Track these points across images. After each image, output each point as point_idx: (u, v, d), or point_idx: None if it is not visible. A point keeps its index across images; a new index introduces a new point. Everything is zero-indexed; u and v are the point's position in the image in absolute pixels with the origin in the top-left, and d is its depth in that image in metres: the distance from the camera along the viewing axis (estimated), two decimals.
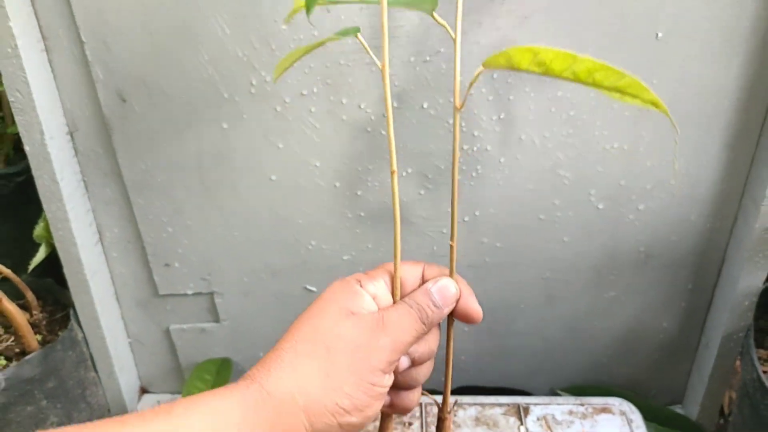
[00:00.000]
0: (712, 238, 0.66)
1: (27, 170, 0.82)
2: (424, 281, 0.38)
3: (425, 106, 0.60)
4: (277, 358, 0.33)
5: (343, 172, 0.63)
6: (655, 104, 0.31)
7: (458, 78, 0.38)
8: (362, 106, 0.60)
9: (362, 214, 0.66)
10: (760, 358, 0.65)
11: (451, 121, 0.60)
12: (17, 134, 0.76)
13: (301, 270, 0.70)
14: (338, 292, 0.36)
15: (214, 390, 0.32)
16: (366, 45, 0.39)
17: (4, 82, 0.56)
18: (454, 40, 0.38)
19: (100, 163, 0.64)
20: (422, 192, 0.64)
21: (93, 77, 0.59)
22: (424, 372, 0.38)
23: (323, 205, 0.65)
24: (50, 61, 0.59)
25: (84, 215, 0.66)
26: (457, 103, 0.38)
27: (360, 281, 0.38)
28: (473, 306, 0.38)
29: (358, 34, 0.39)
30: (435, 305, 0.36)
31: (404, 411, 0.39)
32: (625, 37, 0.55)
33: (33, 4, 0.56)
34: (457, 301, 0.38)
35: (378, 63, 0.37)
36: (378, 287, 0.38)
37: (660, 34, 0.55)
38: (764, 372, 0.61)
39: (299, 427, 0.32)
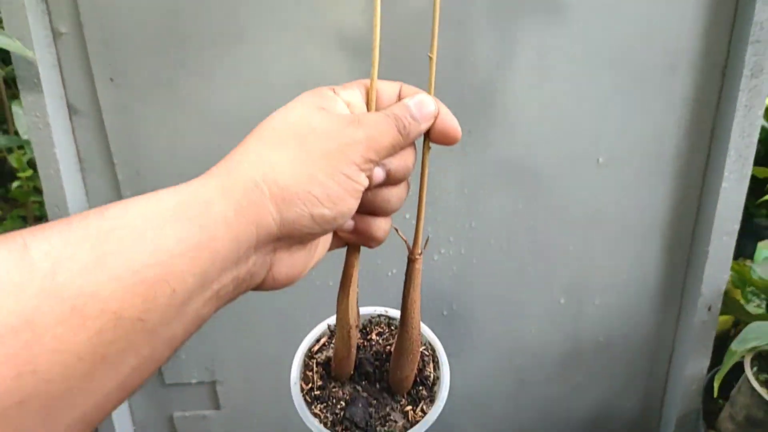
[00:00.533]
0: (661, 329, 0.75)
1: None
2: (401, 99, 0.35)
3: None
4: (241, 149, 0.30)
5: (337, 272, 0.72)
6: None
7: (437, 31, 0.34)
8: None
9: None
10: None
11: (427, 230, 0.70)
12: None
13: None
14: (308, 95, 0.33)
15: (157, 190, 0.27)
16: None
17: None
18: None
19: None
20: None
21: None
22: (396, 195, 0.35)
23: (320, 300, 0.73)
24: (84, 180, 0.68)
25: None
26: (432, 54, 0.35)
27: (333, 89, 0.34)
28: (451, 123, 0.36)
29: None
30: (412, 117, 0.34)
31: (372, 241, 0.36)
32: (571, 163, 0.66)
33: (74, 133, 0.66)
34: (435, 118, 0.35)
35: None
36: (353, 95, 0.35)
37: (601, 160, 0.66)
38: None
39: (266, 217, 0.29)
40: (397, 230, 0.38)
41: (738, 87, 0.59)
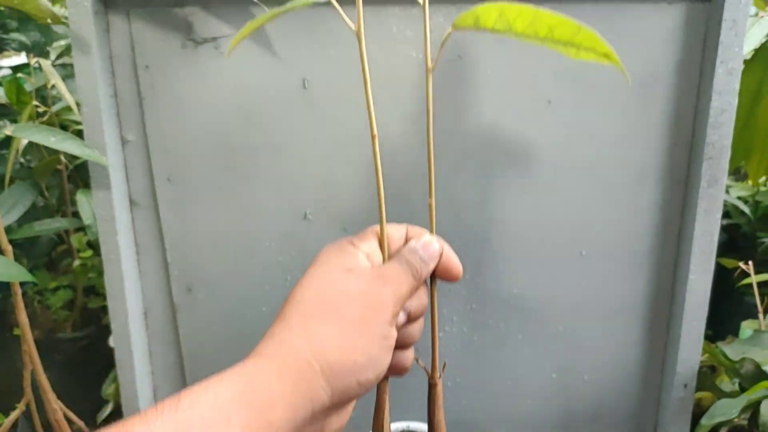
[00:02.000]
0: (645, 404, 0.83)
1: (89, 335, 1.01)
2: (408, 241, 0.39)
3: None
4: (285, 326, 0.32)
5: None
6: (608, 56, 0.33)
7: (428, 39, 0.40)
8: None
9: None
10: None
11: None
12: (84, 304, 0.95)
13: None
14: (333, 253, 0.36)
15: (220, 375, 0.29)
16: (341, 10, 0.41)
17: (105, 278, 0.76)
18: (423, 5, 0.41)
19: (165, 337, 0.82)
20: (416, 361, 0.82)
21: (169, 273, 0.79)
22: (417, 329, 0.39)
23: None
24: (138, 261, 0.79)
25: (146, 378, 0.83)
26: (429, 64, 0.41)
27: (352, 242, 0.38)
28: (454, 262, 0.39)
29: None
30: (422, 260, 0.37)
31: (401, 371, 0.39)
32: (558, 255, 0.76)
33: (133, 223, 0.77)
34: (440, 256, 0.38)
35: (353, 26, 0.40)
36: (370, 246, 0.38)
37: (584, 252, 0.76)
38: None
39: (319, 392, 0.30)
40: (417, 360, 0.42)
41: (697, 195, 0.69)
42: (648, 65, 0.69)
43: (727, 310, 1.33)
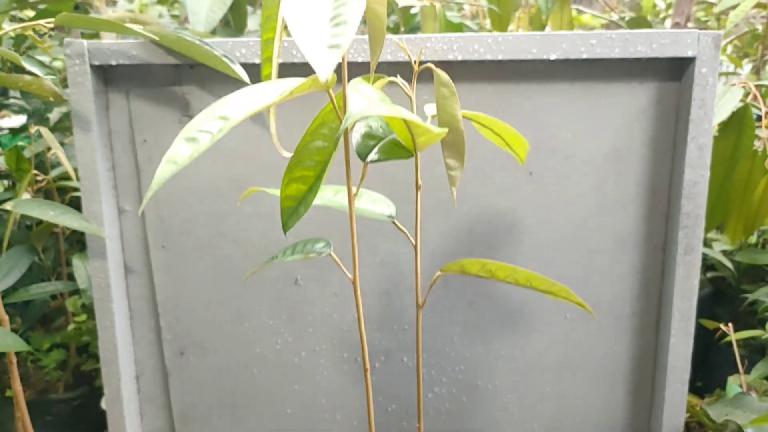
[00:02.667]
0: None
1: (82, 396, 1.01)
2: None
3: (405, 359, 0.81)
4: None
5: (344, 408, 0.83)
6: (581, 304, 0.43)
7: (419, 277, 0.46)
8: (357, 359, 0.81)
9: None
10: None
11: (424, 371, 0.81)
12: (77, 365, 0.95)
13: None
14: None
15: None
16: (337, 259, 0.50)
17: (99, 344, 0.77)
18: (415, 247, 0.47)
19: (155, 399, 0.83)
20: (404, 424, 0.83)
21: (161, 338, 0.80)
22: None
23: None
24: (132, 326, 0.81)
25: None
26: (419, 301, 0.47)
27: None
28: None
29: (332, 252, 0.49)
30: None
31: None
32: (545, 318, 0.78)
33: (127, 289, 0.79)
34: None
35: (349, 276, 0.46)
36: None
37: (568, 316, 0.78)
38: None
39: None
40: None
41: (675, 262, 0.72)
42: (623, 139, 0.72)
43: (716, 361, 1.34)
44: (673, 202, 0.72)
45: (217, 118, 0.32)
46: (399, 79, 0.47)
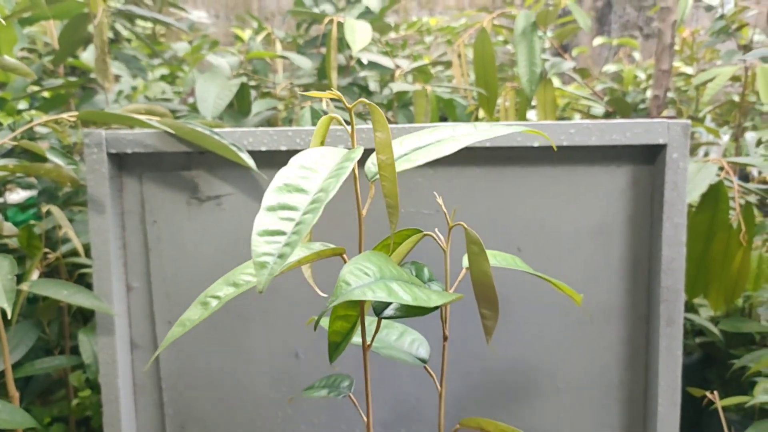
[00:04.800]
0: None
1: None
2: None
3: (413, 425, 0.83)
4: None
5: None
6: None
7: (443, 424, 0.54)
8: (355, 431, 0.83)
9: None
10: None
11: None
12: None
13: None
14: None
15: None
16: (355, 401, 0.55)
17: (104, 417, 0.79)
18: (440, 395, 0.53)
19: None
20: None
21: (164, 412, 0.82)
22: None
23: None
24: (135, 401, 0.83)
25: None
26: None
27: None
28: None
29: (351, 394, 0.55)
30: None
31: None
32: (534, 390, 0.81)
33: (132, 364, 0.82)
34: None
35: (364, 418, 0.52)
36: None
37: (560, 386, 0.81)
38: None
39: None
40: None
41: (658, 334, 0.76)
42: (605, 217, 0.77)
43: (708, 425, 1.35)
44: (653, 277, 0.77)
45: (230, 284, 0.38)
46: (436, 233, 0.51)
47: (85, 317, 1.05)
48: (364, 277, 0.40)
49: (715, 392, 0.84)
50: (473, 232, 0.46)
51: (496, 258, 0.60)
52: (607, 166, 0.76)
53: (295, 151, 0.76)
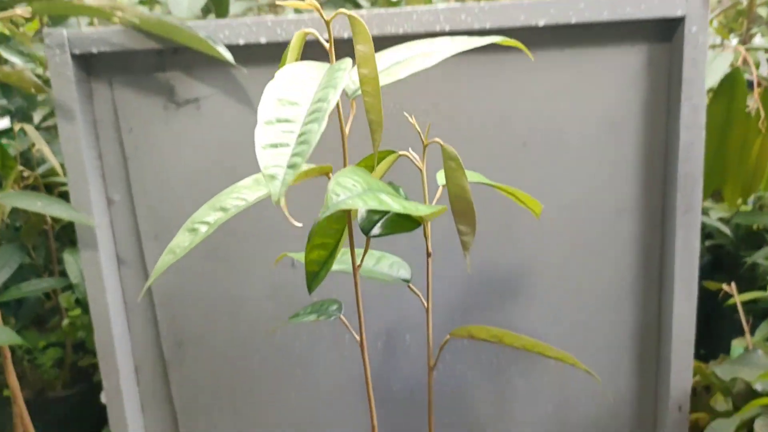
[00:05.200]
0: (642, 429, 0.83)
1: (80, 393, 1.00)
2: None
3: (407, 338, 0.80)
4: None
5: (348, 389, 0.82)
6: (587, 371, 0.50)
7: (431, 340, 0.53)
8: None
9: (366, 423, 0.83)
10: None
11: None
12: (74, 362, 0.94)
13: None
14: None
15: None
16: (347, 323, 0.55)
17: (95, 339, 0.76)
18: (427, 310, 0.52)
19: (156, 392, 0.82)
20: (409, 406, 0.82)
21: (159, 331, 0.79)
22: None
23: (333, 416, 0.82)
24: (128, 319, 0.79)
25: None
26: (430, 362, 0.53)
27: None
28: None
29: (341, 316, 0.55)
30: None
31: None
32: (543, 293, 0.77)
33: (121, 282, 0.78)
34: None
35: (357, 338, 0.52)
36: None
37: (571, 287, 0.77)
38: None
39: None
40: None
41: (675, 224, 0.71)
42: (617, 105, 0.71)
43: (718, 328, 1.34)
44: (670, 165, 0.72)
45: (217, 209, 0.36)
46: (410, 152, 0.49)
47: (72, 242, 1.01)
48: (353, 188, 0.38)
49: (732, 284, 0.81)
50: (450, 147, 0.44)
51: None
52: (620, 46, 0.69)
53: (277, 44, 0.70)
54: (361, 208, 0.37)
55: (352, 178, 0.39)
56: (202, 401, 0.82)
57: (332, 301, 0.54)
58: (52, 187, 0.96)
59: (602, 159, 0.73)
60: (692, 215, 0.71)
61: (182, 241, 0.36)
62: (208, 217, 0.36)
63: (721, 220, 1.26)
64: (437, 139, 0.47)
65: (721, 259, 1.40)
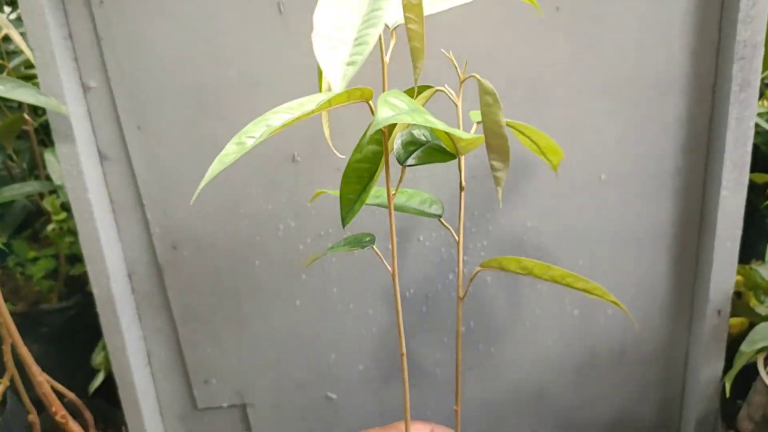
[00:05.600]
0: (674, 336, 0.77)
1: (76, 305, 0.95)
2: None
3: (420, 238, 0.73)
4: None
5: (356, 295, 0.76)
6: (616, 303, 0.47)
7: (461, 274, 0.51)
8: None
9: (374, 329, 0.77)
10: None
11: (443, 249, 0.73)
12: (68, 272, 0.89)
13: (323, 380, 0.80)
14: None
15: None
16: (379, 252, 0.53)
17: (80, 239, 0.70)
18: (458, 243, 0.51)
19: (152, 300, 0.77)
20: (424, 308, 0.76)
21: (150, 232, 0.73)
22: None
23: (340, 324, 0.77)
24: (116, 220, 0.73)
25: (137, 343, 0.78)
26: (460, 293, 0.51)
27: None
28: None
29: (374, 246, 0.54)
30: None
31: None
32: (575, 182, 0.69)
33: (105, 178, 0.71)
34: None
35: (389, 268, 0.50)
36: None
37: (603, 177, 0.69)
38: None
39: None
40: None
41: (728, 102, 0.62)
42: None
43: (747, 233, 1.26)
44: (725, 31, 0.61)
45: (263, 125, 0.37)
46: (446, 88, 0.49)
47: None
48: (400, 107, 0.38)
49: None
50: (487, 82, 0.43)
51: None
52: None
53: None
54: (410, 121, 0.37)
55: (399, 98, 0.39)
56: (201, 309, 0.77)
57: (365, 234, 0.54)
58: (29, 81, 0.87)
59: (645, 26, 0.63)
60: (749, 93, 0.62)
61: (230, 151, 0.36)
62: (255, 132, 0.37)
63: (760, 115, 1.16)
64: (474, 74, 0.46)
65: (755, 159, 1.30)
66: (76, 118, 0.66)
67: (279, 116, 0.37)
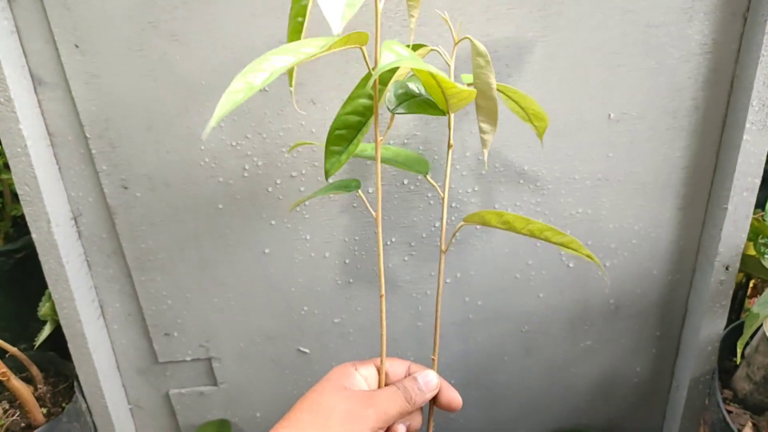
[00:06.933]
0: (674, 290, 0.72)
1: (25, 247, 0.87)
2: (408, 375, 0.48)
3: (405, 182, 0.65)
4: (284, 427, 0.41)
5: (332, 243, 0.68)
6: (590, 257, 0.44)
7: (445, 228, 0.49)
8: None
9: (351, 280, 0.70)
10: (725, 399, 0.70)
11: (430, 195, 0.66)
12: (15, 213, 0.79)
13: (295, 333, 0.74)
14: (337, 373, 0.46)
15: None
16: (365, 199, 0.51)
17: (14, 177, 0.61)
18: (443, 199, 0.48)
19: (103, 245, 0.68)
20: (406, 258, 0.69)
21: (96, 169, 0.64)
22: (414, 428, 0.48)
23: (314, 273, 0.70)
24: (56, 155, 0.63)
25: (87, 293, 0.70)
26: (443, 247, 0.49)
27: (356, 366, 0.47)
28: (453, 397, 0.48)
29: (359, 191, 0.53)
30: (419, 389, 0.46)
31: None
32: (580, 118, 0.61)
33: (40, 106, 0.61)
34: (439, 390, 0.47)
35: (373, 213, 0.47)
36: (370, 372, 0.48)
37: (612, 115, 0.61)
38: (729, 411, 0.66)
39: None
40: None
41: (763, 31, 0.54)
42: None
43: (764, 182, 1.21)
44: None
45: (263, 70, 0.34)
46: (440, 48, 0.48)
47: None
48: (401, 54, 0.37)
49: None
50: (480, 44, 0.43)
51: None
52: None
53: None
54: (412, 65, 0.37)
55: (399, 46, 0.38)
56: (159, 256, 0.69)
57: (352, 179, 0.54)
58: None
59: None
60: None
61: (238, 89, 0.33)
62: (261, 71, 0.34)
63: None
64: (468, 36, 0.44)
65: None
66: (1, 32, 0.55)
67: (280, 58, 0.35)
